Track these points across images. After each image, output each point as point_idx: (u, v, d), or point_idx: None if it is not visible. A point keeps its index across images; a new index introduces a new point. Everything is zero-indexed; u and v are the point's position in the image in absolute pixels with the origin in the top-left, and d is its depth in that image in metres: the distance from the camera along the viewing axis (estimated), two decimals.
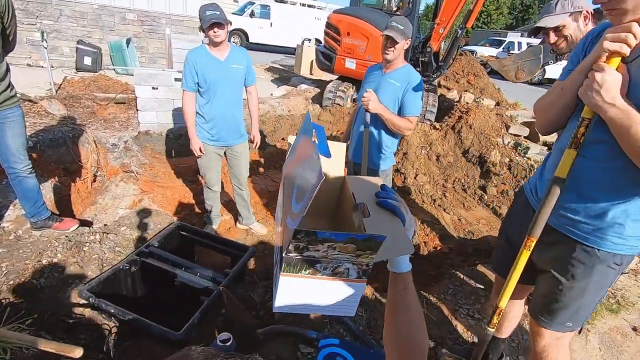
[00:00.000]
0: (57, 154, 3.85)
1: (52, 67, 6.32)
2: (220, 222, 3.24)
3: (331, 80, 6.11)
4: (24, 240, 2.32)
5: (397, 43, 2.18)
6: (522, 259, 1.32)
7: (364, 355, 1.41)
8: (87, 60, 6.13)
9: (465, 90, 6.78)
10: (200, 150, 2.73)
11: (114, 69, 6.41)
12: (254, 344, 1.70)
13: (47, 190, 3.17)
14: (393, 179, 4.56)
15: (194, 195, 3.79)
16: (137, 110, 4.31)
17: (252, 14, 14.20)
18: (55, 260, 2.06)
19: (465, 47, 19.03)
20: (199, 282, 1.99)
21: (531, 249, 1.30)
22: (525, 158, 4.59)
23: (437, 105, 5.46)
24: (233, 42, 13.89)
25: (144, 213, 2.85)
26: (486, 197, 4.27)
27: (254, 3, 14.51)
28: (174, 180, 3.94)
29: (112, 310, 1.72)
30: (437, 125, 5.19)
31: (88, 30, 6.40)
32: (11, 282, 1.93)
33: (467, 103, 5.79)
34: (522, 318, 2.05)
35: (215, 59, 2.55)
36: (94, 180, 3.78)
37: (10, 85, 1.98)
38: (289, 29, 14.16)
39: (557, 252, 1.31)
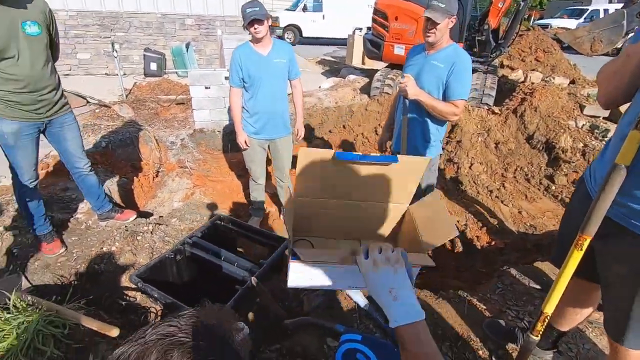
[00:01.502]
0: (125, 152, 4.28)
1: (125, 74, 7.03)
2: (264, 214, 3.34)
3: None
4: (92, 229, 2.62)
5: (439, 23, 2.02)
6: (573, 260, 1.15)
7: (388, 354, 1.34)
8: (153, 66, 6.70)
9: (533, 70, 6.10)
10: (246, 144, 2.82)
11: (175, 73, 6.93)
12: (283, 335, 1.73)
13: (115, 185, 3.54)
14: (444, 169, 4.30)
15: (243, 189, 3.96)
16: (192, 109, 4.61)
17: (304, 9, 14.31)
18: (113, 248, 2.29)
19: (539, 22, 17.08)
20: (236, 272, 2.07)
21: (584, 248, 1.12)
22: (603, 142, 4.00)
23: (496, 87, 4.99)
24: (287, 38, 14.21)
25: (194, 205, 3.05)
26: (554, 188, 3.82)
27: None
28: (224, 175, 4.15)
29: (156, 295, 1.86)
30: (497, 109, 4.75)
31: (153, 38, 6.99)
32: (78, 266, 2.20)
33: (533, 83, 5.20)
34: (585, 324, 1.81)
35: (258, 55, 2.61)
36: (156, 176, 4.14)
37: (63, 93, 2.22)
38: (341, 19, 14.01)
39: (623, 250, 1.11)
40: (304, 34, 14.34)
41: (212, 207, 3.19)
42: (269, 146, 2.97)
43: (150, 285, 1.90)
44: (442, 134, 2.38)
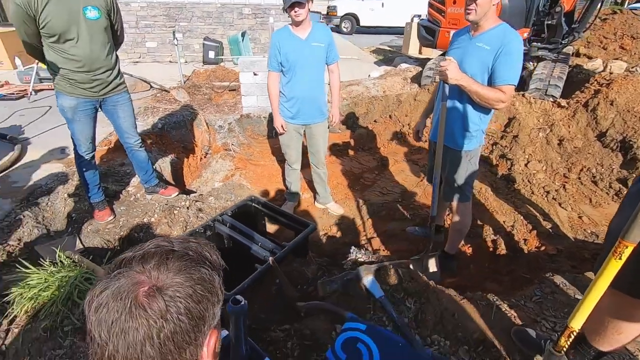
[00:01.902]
0: (179, 134, 4.57)
1: (186, 62, 7.49)
2: (299, 199, 3.37)
3: None
4: (139, 202, 2.85)
5: None
6: (609, 270, 1.00)
7: (391, 348, 1.28)
8: (211, 54, 7.04)
9: (616, 58, 5.36)
10: (282, 128, 2.85)
11: (231, 60, 7.21)
12: (295, 317, 1.73)
13: (167, 163, 3.80)
14: (496, 165, 3.97)
15: (282, 173, 4.03)
16: (241, 95, 4.77)
17: None
18: (152, 219, 2.47)
19: (634, 5, 14.74)
20: (258, 252, 2.11)
21: (623, 257, 0.96)
22: None
23: (565, 78, 4.46)
24: (344, 27, 14.07)
25: (232, 186, 3.17)
26: (625, 192, 3.34)
27: None
28: (266, 159, 4.26)
29: None
30: (564, 102, 4.26)
31: (213, 27, 7.33)
32: (122, 233, 2.40)
33: (611, 74, 4.56)
34: (638, 347, 1.57)
35: (297, 38, 2.60)
36: (204, 157, 4.37)
37: (119, 74, 2.41)
38: (401, 7, 13.49)
39: None
40: (362, 23, 14.06)
41: (248, 188, 3.29)
42: (305, 132, 2.97)
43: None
44: (485, 124, 2.18)
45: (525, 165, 3.84)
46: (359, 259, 2.03)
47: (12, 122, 4.41)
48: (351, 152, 4.45)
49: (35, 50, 2.17)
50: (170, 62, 7.48)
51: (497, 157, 4.04)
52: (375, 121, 4.94)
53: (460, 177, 2.21)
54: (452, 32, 2.27)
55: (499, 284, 2.44)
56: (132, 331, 0.46)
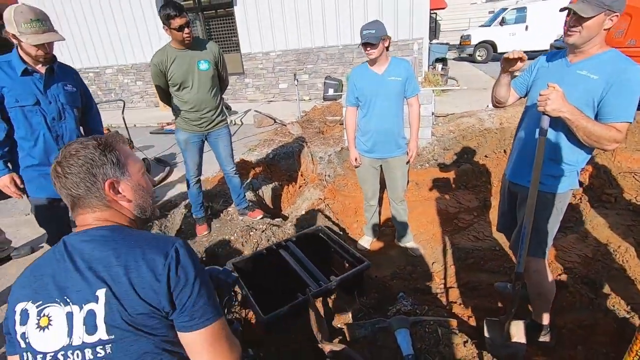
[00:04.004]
0: (287, 164, 5.08)
1: (310, 99, 8.31)
2: (377, 234, 3.26)
3: None
4: (232, 221, 3.27)
5: (587, 19, 1.49)
6: None
7: None
8: (330, 91, 7.64)
9: None
10: (356, 161, 2.88)
11: None
12: (316, 357, 1.68)
13: (269, 190, 4.26)
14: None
15: None
16: (343, 128, 4.99)
17: (502, 22, 12.95)
18: (232, 237, 2.80)
19: None
20: (307, 281, 2.15)
21: None
22: None
23: None
24: (478, 55, 13.21)
25: (313, 215, 3.31)
26: None
27: (506, 9, 13.20)
28: (358, 191, 4.27)
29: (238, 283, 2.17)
30: None
31: (334, 67, 7.98)
32: (207, 246, 2.79)
33: None
34: None
35: (373, 73, 2.65)
36: (306, 184, 4.71)
37: (222, 112, 2.89)
38: (545, 29, 11.89)
39: None
40: (500, 49, 12.96)
41: (329, 219, 3.37)
42: (381, 166, 2.91)
43: (238, 273, 2.22)
44: (583, 164, 1.74)
45: None
46: (403, 309, 1.83)
47: (171, 151, 5.72)
48: (451, 190, 4.06)
49: (165, 97, 2.83)
50: (298, 100, 8.45)
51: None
52: (486, 156, 4.40)
53: (542, 227, 1.78)
54: (541, 56, 1.92)
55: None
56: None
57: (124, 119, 4.84)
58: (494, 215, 3.43)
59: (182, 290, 0.82)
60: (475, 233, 3.22)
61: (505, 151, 4.34)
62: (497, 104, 2.00)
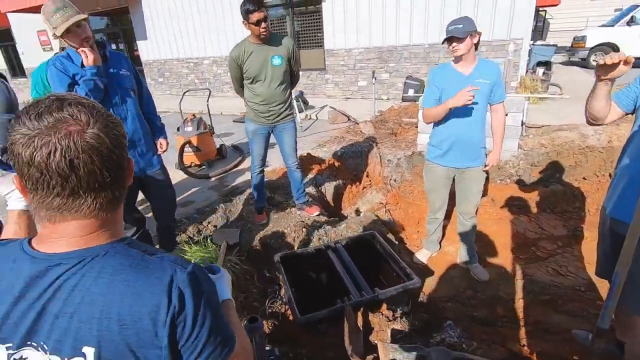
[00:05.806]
0: (354, 163, 5.01)
1: (388, 99, 8.06)
2: (436, 251, 3.01)
3: None
4: (290, 214, 3.31)
5: None
6: None
7: None
8: (411, 92, 7.30)
9: None
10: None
11: None
12: None
13: (331, 187, 4.24)
14: None
15: None
16: (417, 132, 4.73)
17: (631, 21, 10.96)
18: (285, 231, 2.83)
19: None
20: (348, 288, 2.07)
21: None
22: None
23: None
24: (593, 60, 11.38)
25: (369, 219, 3.19)
26: None
27: (638, 6, 11.11)
28: (424, 200, 4.00)
29: (281, 277, 2.18)
30: None
31: (418, 66, 7.59)
32: (264, 234, 2.87)
33: None
34: None
35: (458, 74, 2.41)
36: (370, 186, 4.58)
37: (289, 106, 2.92)
38: None
39: None
40: (625, 54, 10.98)
41: (386, 224, 3.22)
42: (455, 177, 2.65)
43: (282, 268, 2.23)
44: None
45: None
46: (448, 339, 1.64)
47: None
48: (533, 212, 3.56)
49: (239, 89, 2.95)
50: (375, 98, 8.26)
51: None
52: (584, 178, 3.76)
53: None
54: None
55: None
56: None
57: (207, 106, 5.24)
58: (586, 248, 2.92)
59: (188, 342, 0.65)
60: (557, 266, 2.77)
61: (611, 175, 3.65)
62: (592, 120, 1.66)
